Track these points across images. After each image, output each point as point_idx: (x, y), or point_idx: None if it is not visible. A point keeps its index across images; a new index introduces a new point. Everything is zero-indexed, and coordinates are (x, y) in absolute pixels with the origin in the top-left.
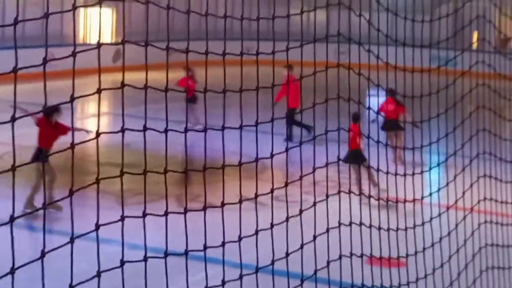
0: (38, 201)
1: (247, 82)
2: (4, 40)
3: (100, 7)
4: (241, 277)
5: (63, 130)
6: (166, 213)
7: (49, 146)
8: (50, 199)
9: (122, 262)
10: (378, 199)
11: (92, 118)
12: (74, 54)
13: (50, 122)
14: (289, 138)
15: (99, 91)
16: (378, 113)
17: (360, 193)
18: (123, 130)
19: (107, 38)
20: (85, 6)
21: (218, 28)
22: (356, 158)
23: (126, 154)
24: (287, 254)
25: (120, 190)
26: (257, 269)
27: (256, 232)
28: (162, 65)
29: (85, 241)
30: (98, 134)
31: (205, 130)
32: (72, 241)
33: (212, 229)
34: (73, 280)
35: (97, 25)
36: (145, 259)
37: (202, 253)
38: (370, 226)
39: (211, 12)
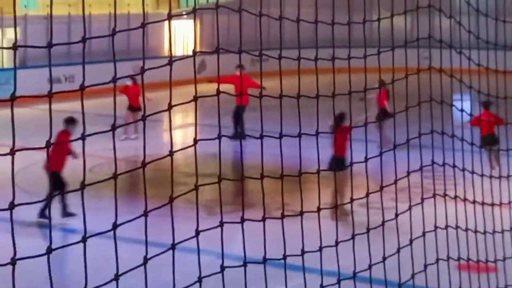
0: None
1: (337, 89)
2: (90, 55)
3: (194, 19)
4: (339, 281)
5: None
6: (263, 219)
7: (344, 154)
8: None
9: (222, 268)
10: (474, 202)
11: (178, 129)
12: (170, 63)
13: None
14: (238, 135)
15: (195, 98)
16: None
17: (455, 197)
18: (219, 137)
19: (191, 50)
20: (173, 17)
21: (293, 37)
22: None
23: (215, 165)
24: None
25: (207, 200)
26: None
27: (353, 237)
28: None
29: (176, 252)
30: (195, 142)
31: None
32: (173, 247)
33: (305, 237)
34: None
35: (182, 37)
36: (244, 264)
37: (294, 262)
38: (465, 230)
39: (290, 22)
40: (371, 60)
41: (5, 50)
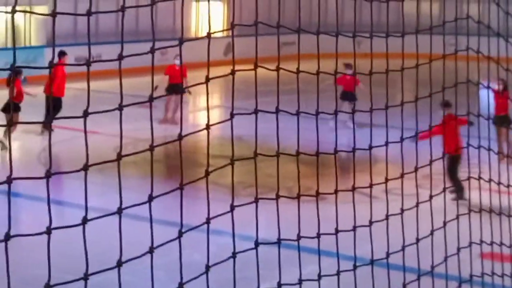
0: None
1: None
2: (117, 35)
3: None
4: (355, 268)
5: None
6: (277, 197)
7: (507, 112)
8: None
9: (234, 254)
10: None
11: (204, 111)
12: (181, 43)
13: None
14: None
15: (207, 79)
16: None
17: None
18: (232, 116)
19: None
20: None
21: (328, 21)
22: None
23: (238, 147)
24: (403, 248)
25: (231, 182)
26: (372, 261)
27: (370, 223)
28: (272, 58)
29: (197, 233)
30: (208, 126)
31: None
32: (180, 234)
33: (323, 221)
34: (186, 272)
35: (208, 19)
36: (256, 246)
37: (313, 246)
38: (488, 211)
39: (321, 6)
40: (395, 45)
41: (32, 28)
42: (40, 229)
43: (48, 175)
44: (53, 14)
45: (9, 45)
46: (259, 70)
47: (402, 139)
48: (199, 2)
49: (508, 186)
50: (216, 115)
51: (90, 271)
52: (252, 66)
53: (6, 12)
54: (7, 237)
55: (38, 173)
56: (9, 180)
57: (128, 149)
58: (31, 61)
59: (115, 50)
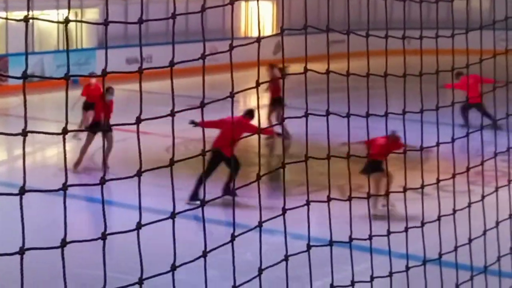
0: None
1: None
2: (167, 36)
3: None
4: (407, 268)
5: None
6: (329, 199)
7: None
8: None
9: (286, 257)
10: None
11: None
12: (231, 48)
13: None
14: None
15: (257, 84)
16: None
17: None
18: (282, 120)
19: (267, 31)
20: None
21: (377, 18)
22: None
23: (294, 145)
24: (456, 248)
25: (282, 181)
26: (425, 261)
27: (422, 224)
28: (321, 56)
29: (250, 232)
30: (259, 130)
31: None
32: (233, 238)
33: (374, 218)
34: (239, 271)
35: (258, 19)
36: (308, 248)
37: (364, 244)
38: None
39: (370, 3)
40: (445, 42)
41: (84, 31)
42: (94, 230)
43: (102, 181)
44: (105, 23)
45: (61, 47)
46: (309, 67)
47: (453, 139)
48: (248, 2)
49: None
50: (265, 114)
51: (145, 271)
52: (301, 65)
53: (59, 22)
54: (63, 243)
55: (92, 174)
56: (65, 188)
57: (180, 149)
58: (83, 63)
59: (166, 51)
